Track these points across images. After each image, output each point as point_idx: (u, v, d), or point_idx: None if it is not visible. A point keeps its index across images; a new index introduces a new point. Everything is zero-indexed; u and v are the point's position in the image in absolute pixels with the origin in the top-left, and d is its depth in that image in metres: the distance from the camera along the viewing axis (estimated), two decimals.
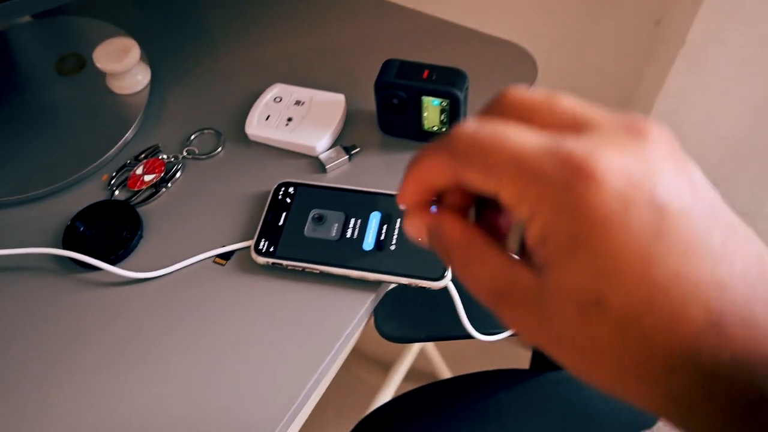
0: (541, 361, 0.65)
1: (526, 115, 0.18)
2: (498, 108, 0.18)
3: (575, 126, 0.17)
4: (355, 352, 1.07)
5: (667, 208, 0.15)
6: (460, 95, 0.39)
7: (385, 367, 1.01)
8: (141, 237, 0.40)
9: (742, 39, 0.54)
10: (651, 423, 0.59)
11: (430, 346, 0.98)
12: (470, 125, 0.17)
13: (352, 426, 0.62)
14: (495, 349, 1.07)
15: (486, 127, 0.17)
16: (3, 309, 0.38)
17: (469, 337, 0.40)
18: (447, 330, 0.44)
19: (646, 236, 0.15)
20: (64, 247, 0.39)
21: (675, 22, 0.65)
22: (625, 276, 0.15)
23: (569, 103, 0.17)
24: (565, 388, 0.62)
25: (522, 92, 0.18)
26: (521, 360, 1.04)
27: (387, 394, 0.92)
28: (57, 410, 0.34)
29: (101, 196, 0.43)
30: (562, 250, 0.16)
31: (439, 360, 0.99)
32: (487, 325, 0.41)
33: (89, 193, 0.43)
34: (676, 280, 0.15)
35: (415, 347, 0.95)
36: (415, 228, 0.20)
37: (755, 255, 0.16)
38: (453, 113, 0.40)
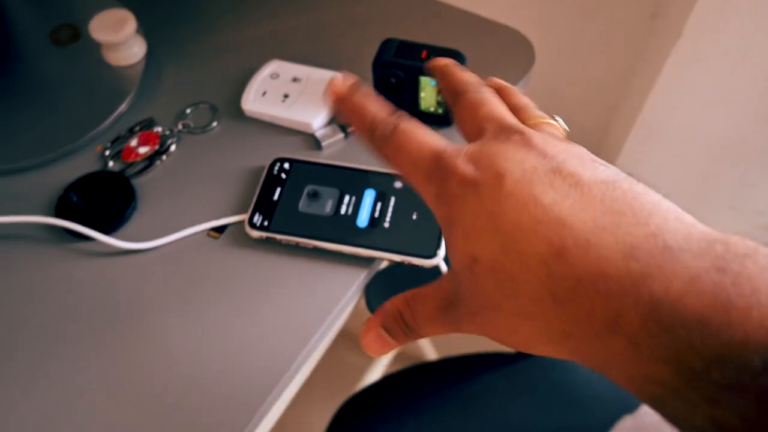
0: None
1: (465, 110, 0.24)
2: (452, 87, 0.25)
3: (478, 132, 0.22)
4: (345, 334, 1.08)
5: (504, 179, 0.19)
6: None
7: None
8: (135, 208, 0.40)
9: (737, 33, 0.55)
10: (633, 407, 0.60)
11: None
12: (393, 121, 0.23)
13: (338, 406, 0.63)
14: None
15: (402, 125, 0.22)
16: None
17: None
18: None
19: (489, 201, 0.19)
20: (57, 217, 0.39)
21: (671, 15, 0.65)
22: (482, 233, 0.19)
23: (481, 114, 0.23)
24: (550, 372, 0.63)
25: (474, 93, 0.24)
26: None
27: (375, 375, 0.93)
28: (48, 380, 0.34)
29: (95, 167, 0.43)
30: (446, 232, 0.21)
31: (426, 344, 1.00)
32: None
33: (83, 164, 0.43)
34: (518, 225, 0.18)
35: None
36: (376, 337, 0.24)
37: (602, 195, 0.18)
38: None
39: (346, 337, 1.07)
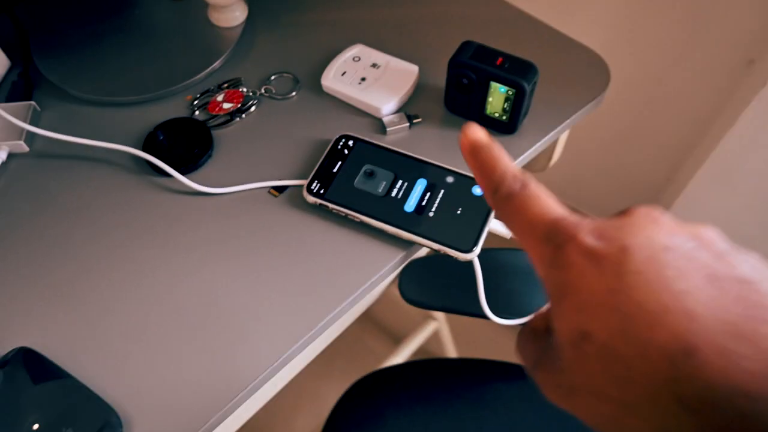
0: None
1: None
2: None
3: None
4: (370, 320, 1.11)
5: (631, 254, 0.17)
6: (527, 87, 0.41)
7: (397, 341, 1.04)
8: (210, 156, 0.45)
9: None
10: None
11: (445, 330, 1.01)
12: (520, 181, 0.22)
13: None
14: (506, 342, 1.09)
15: (529, 188, 0.22)
16: (82, 191, 0.43)
17: (484, 316, 0.43)
18: (464, 305, 0.47)
19: (612, 276, 0.17)
20: (144, 151, 0.44)
21: (765, 62, 0.63)
22: (599, 308, 0.17)
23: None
24: None
25: None
26: None
27: (394, 363, 0.95)
28: (102, 286, 0.39)
29: (183, 113, 0.47)
30: (555, 299, 0.19)
31: (450, 344, 1.02)
32: (504, 310, 0.43)
33: (173, 109, 0.47)
34: (642, 308, 0.16)
35: (430, 327, 0.98)
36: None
37: (738, 295, 0.16)
38: (517, 103, 0.42)
39: (371, 323, 1.11)
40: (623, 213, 0.19)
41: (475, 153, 0.23)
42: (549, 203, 0.21)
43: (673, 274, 0.17)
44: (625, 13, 0.80)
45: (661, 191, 0.93)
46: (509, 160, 0.22)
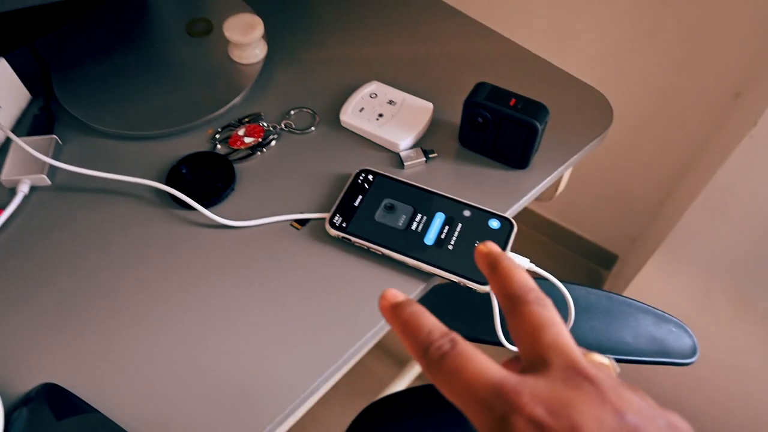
0: None
1: (519, 325, 0.22)
2: (511, 292, 0.23)
3: (534, 362, 0.21)
4: (376, 345, 1.11)
5: None
6: (540, 127, 0.43)
7: (400, 363, 1.04)
8: (233, 190, 0.46)
9: None
10: None
11: None
12: (449, 341, 0.21)
13: (357, 412, 0.66)
14: None
15: (459, 346, 0.21)
16: (105, 225, 0.44)
17: (498, 343, 0.44)
18: (479, 333, 0.48)
19: None
20: (168, 184, 0.45)
21: (753, 99, 0.66)
22: None
23: (546, 340, 0.21)
24: None
25: (533, 309, 0.22)
26: None
27: (398, 388, 0.96)
28: (126, 319, 0.40)
29: (205, 147, 0.49)
30: None
31: None
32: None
33: (195, 143, 0.49)
34: None
35: None
36: None
37: None
38: (529, 141, 0.44)
39: (378, 349, 1.11)
40: (568, 384, 0.20)
41: (396, 313, 0.23)
42: (484, 363, 0.21)
43: None
44: (620, 47, 0.84)
45: (655, 217, 0.96)
46: (435, 320, 0.22)
